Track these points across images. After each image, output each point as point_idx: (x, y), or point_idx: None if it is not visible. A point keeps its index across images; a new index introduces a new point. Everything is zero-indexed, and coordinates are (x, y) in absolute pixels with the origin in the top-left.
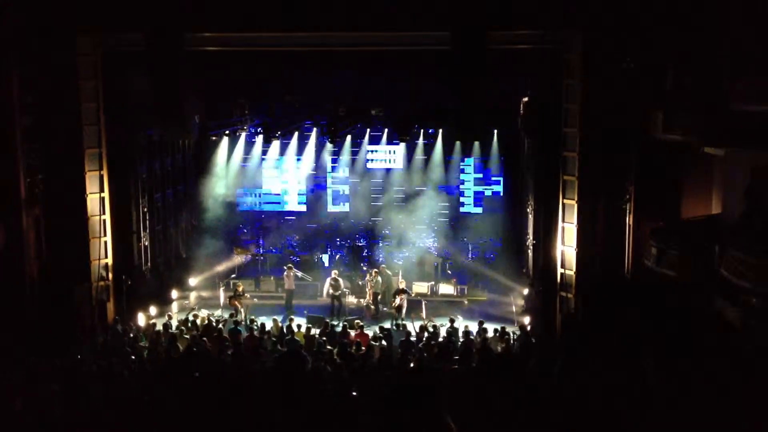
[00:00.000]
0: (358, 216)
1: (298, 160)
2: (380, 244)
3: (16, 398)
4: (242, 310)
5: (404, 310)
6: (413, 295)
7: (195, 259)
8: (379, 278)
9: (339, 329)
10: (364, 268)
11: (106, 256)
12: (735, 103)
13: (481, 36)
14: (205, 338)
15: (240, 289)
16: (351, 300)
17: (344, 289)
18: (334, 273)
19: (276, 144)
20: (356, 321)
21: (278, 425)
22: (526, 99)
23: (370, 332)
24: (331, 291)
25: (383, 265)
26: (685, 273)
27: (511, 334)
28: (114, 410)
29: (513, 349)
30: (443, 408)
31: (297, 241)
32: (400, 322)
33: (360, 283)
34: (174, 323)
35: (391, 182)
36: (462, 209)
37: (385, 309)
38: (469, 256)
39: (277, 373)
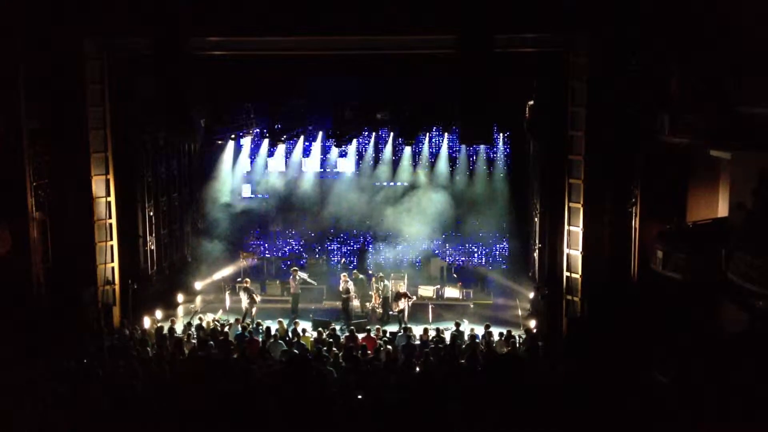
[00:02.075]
0: (364, 219)
1: (304, 163)
2: (385, 247)
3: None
4: (254, 306)
5: (407, 313)
6: (418, 298)
7: (201, 262)
8: (386, 282)
9: (346, 334)
10: (370, 272)
11: (112, 260)
12: (741, 105)
13: (487, 39)
14: (211, 342)
15: (246, 284)
16: (356, 303)
17: (353, 293)
18: (343, 276)
19: (281, 147)
20: (368, 327)
21: (284, 427)
22: (531, 102)
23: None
24: (342, 294)
25: (354, 271)
26: (691, 276)
27: (517, 338)
28: (119, 413)
29: (519, 352)
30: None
31: (303, 244)
32: (405, 325)
33: (372, 290)
34: (179, 327)
35: (397, 185)
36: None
37: (391, 312)
38: (475, 259)
39: (283, 377)
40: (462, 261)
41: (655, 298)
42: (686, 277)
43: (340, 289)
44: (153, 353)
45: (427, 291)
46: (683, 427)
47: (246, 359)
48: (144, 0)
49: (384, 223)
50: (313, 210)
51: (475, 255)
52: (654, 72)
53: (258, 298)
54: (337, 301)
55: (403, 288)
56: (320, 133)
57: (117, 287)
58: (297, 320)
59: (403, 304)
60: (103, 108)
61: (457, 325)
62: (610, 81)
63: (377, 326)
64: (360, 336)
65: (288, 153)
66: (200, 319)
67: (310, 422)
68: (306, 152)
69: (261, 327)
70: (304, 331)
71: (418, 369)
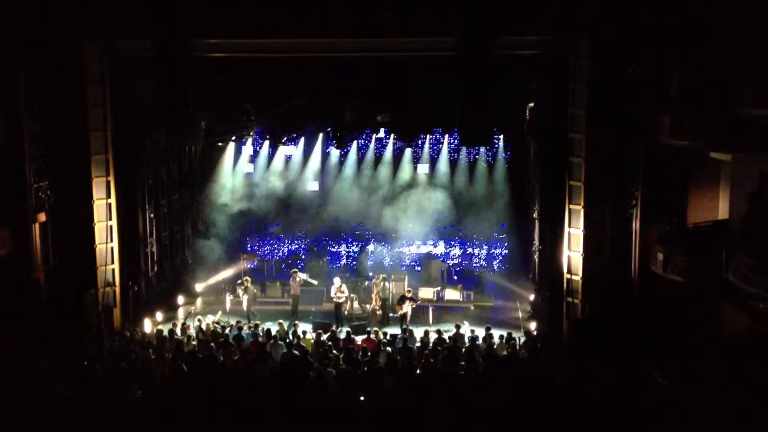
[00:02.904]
0: (364, 221)
1: (305, 164)
2: (385, 249)
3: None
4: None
5: (409, 317)
6: (419, 301)
7: (201, 264)
8: (386, 284)
9: (343, 335)
10: (370, 274)
11: (113, 262)
12: (742, 107)
13: (486, 41)
14: (212, 344)
15: (247, 283)
16: (356, 306)
17: (351, 295)
18: (337, 281)
19: (282, 149)
20: (369, 329)
21: (285, 427)
22: (531, 104)
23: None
24: (334, 299)
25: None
26: (692, 278)
27: (517, 340)
28: (121, 414)
29: (519, 354)
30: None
31: (303, 246)
32: (406, 327)
33: (373, 292)
34: (178, 329)
35: (397, 187)
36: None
37: (392, 314)
38: (475, 261)
39: (283, 377)
40: (462, 263)
41: (656, 300)
42: (687, 279)
43: (332, 294)
44: (153, 355)
45: (427, 293)
46: (683, 429)
47: (246, 361)
48: (144, 2)
49: (384, 225)
50: (313, 211)
51: (475, 257)
52: (654, 74)
53: (255, 291)
54: None
55: (410, 292)
56: (320, 134)
57: (117, 289)
58: (297, 322)
59: (407, 307)
60: (104, 109)
61: (457, 327)
62: (611, 83)
63: (376, 328)
64: (360, 338)
65: (288, 154)
66: (199, 320)
67: (310, 423)
68: (306, 154)
69: (260, 328)
70: (304, 333)
71: (418, 371)
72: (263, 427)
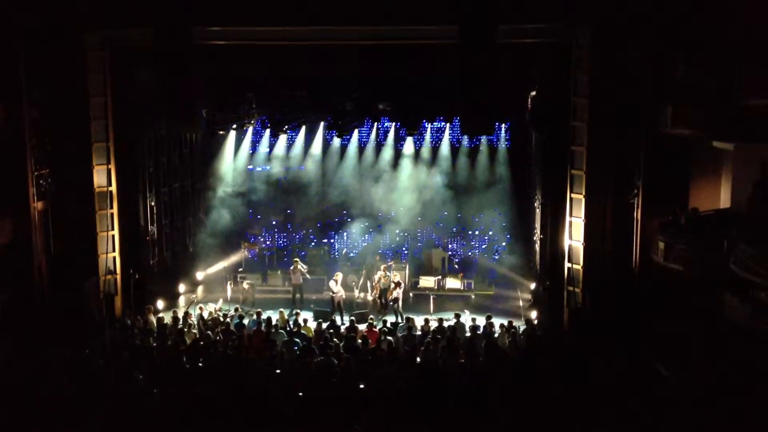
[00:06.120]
0: (366, 210)
1: (306, 153)
2: (386, 238)
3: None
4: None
5: (401, 302)
6: (411, 288)
7: (202, 253)
8: (389, 273)
9: (346, 324)
10: (372, 264)
11: (114, 250)
12: (744, 97)
13: (489, 30)
14: (210, 332)
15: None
16: (356, 294)
17: (351, 284)
18: (339, 276)
19: (283, 138)
20: (371, 317)
21: (291, 417)
22: (533, 93)
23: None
24: (331, 293)
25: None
26: (693, 267)
27: (518, 329)
28: (123, 405)
29: (519, 343)
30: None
31: (304, 235)
32: (401, 314)
33: (375, 281)
34: (180, 317)
35: (399, 176)
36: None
37: (391, 303)
38: (477, 250)
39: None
40: (463, 251)
41: (657, 289)
42: (688, 268)
43: (333, 292)
44: (155, 343)
45: (428, 281)
46: (685, 418)
47: (248, 349)
48: None
49: (385, 214)
50: (315, 200)
51: (477, 245)
52: (656, 63)
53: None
54: None
55: (397, 278)
56: (321, 123)
57: (119, 277)
58: (298, 311)
59: (396, 293)
60: (105, 98)
61: (457, 316)
62: (612, 72)
63: (372, 317)
64: (362, 327)
65: (289, 143)
66: (200, 308)
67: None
68: (307, 142)
69: (260, 316)
70: (305, 321)
71: (419, 360)
72: (263, 418)
